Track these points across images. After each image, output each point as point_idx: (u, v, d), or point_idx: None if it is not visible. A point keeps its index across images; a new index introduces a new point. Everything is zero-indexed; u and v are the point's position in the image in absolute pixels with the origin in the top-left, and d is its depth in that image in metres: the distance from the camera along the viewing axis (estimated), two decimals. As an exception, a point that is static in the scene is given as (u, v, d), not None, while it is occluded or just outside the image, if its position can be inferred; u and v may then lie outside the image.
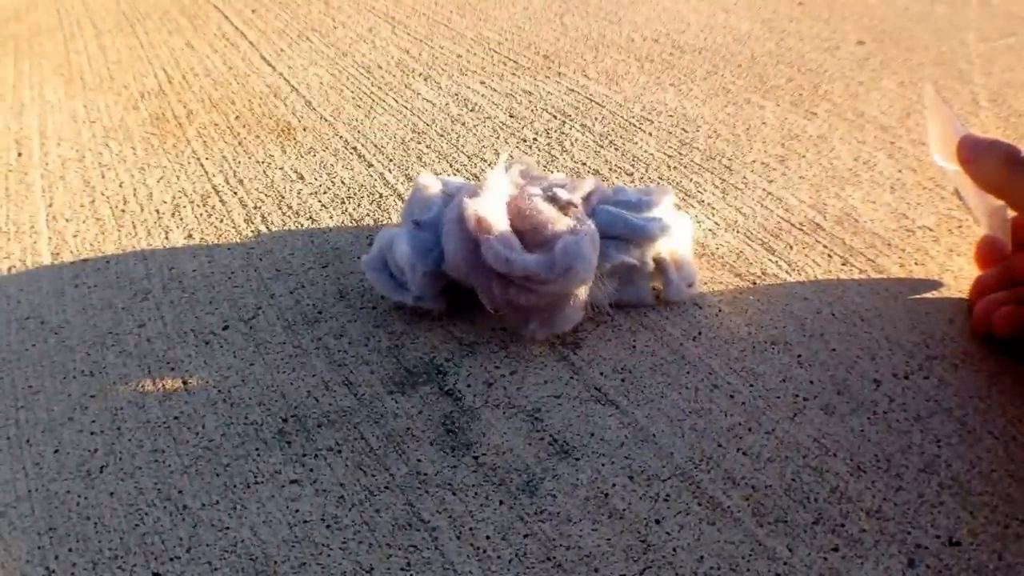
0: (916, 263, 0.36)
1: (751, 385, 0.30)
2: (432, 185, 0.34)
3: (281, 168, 0.46)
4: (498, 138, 0.48)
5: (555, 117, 0.50)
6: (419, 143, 0.48)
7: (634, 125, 0.49)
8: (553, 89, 0.54)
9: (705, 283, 0.35)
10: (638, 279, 0.33)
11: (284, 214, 0.42)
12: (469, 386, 0.31)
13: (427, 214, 0.33)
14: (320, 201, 0.43)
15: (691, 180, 0.43)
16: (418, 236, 0.33)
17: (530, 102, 0.52)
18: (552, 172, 0.44)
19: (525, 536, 0.25)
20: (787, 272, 0.36)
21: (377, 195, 0.43)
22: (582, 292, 0.31)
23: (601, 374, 0.31)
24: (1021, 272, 0.31)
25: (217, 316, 0.35)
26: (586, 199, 0.34)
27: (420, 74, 0.57)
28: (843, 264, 0.36)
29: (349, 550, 0.25)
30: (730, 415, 0.29)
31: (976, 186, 0.30)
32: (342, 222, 0.41)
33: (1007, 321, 0.30)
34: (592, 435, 0.28)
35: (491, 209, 0.31)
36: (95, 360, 0.33)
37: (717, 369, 0.31)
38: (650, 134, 0.48)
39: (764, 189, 0.42)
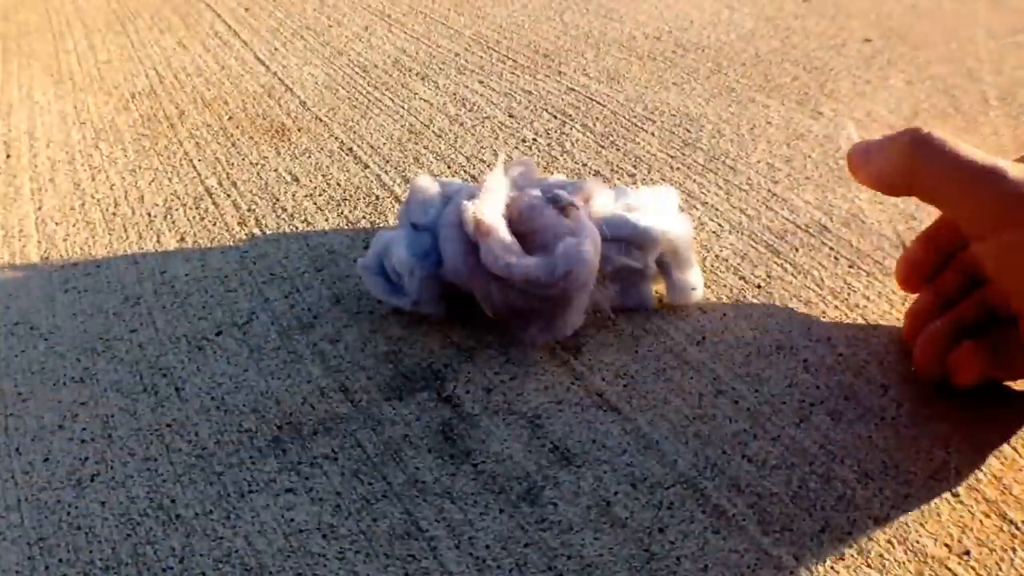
0: (923, 265, 0.35)
1: (756, 391, 0.30)
2: (430, 187, 0.34)
3: (275, 170, 0.45)
4: (497, 139, 0.47)
5: (555, 117, 0.49)
6: (416, 144, 0.47)
7: (636, 125, 0.48)
8: (553, 88, 0.53)
9: (709, 286, 0.35)
10: (640, 282, 0.33)
11: (278, 217, 0.41)
12: (468, 392, 0.30)
13: (425, 216, 0.33)
14: (315, 203, 0.42)
15: (694, 181, 0.42)
16: (416, 239, 0.32)
17: (530, 102, 0.51)
18: (552, 173, 0.43)
19: (526, 545, 0.25)
20: (793, 275, 0.35)
21: (373, 197, 0.42)
22: (583, 296, 0.30)
23: (603, 379, 0.30)
24: (952, 288, 0.28)
25: (210, 321, 0.34)
26: (587, 201, 0.33)
27: (417, 73, 0.56)
28: (850, 267, 0.36)
29: (346, 560, 0.24)
30: (735, 421, 0.28)
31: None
32: (338, 225, 0.40)
33: (969, 365, 0.25)
34: (594, 442, 0.28)
35: (490, 211, 0.31)
36: (86, 366, 0.32)
37: (721, 374, 0.30)
38: (652, 134, 0.47)
39: (769, 190, 0.41)
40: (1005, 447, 0.27)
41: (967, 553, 0.24)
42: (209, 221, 0.41)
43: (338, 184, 0.44)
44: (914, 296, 0.31)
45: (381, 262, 0.33)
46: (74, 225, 0.41)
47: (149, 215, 0.42)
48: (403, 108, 0.51)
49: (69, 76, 0.59)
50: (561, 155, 0.45)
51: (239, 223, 0.41)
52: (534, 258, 0.30)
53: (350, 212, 0.41)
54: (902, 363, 0.30)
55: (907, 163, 0.25)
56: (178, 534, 0.25)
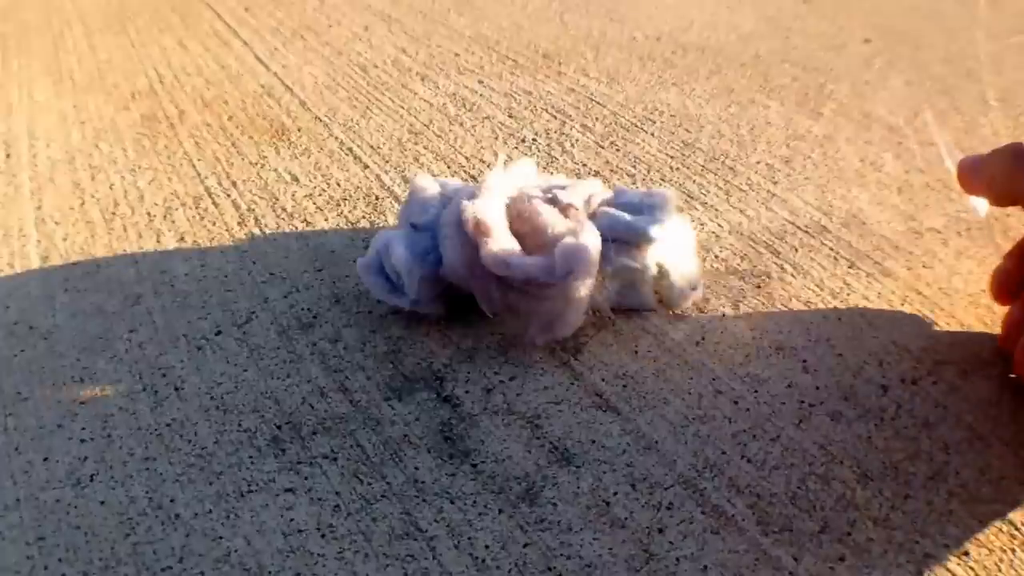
0: (924, 266, 0.36)
1: (755, 391, 0.30)
2: (429, 187, 0.34)
3: (275, 170, 0.45)
4: (497, 139, 0.47)
5: (555, 117, 0.49)
6: (416, 144, 0.47)
7: (636, 125, 0.48)
8: (553, 88, 0.53)
9: (708, 287, 0.35)
10: (640, 283, 0.33)
11: (278, 216, 0.41)
12: (468, 392, 0.30)
13: (424, 216, 0.33)
14: (315, 203, 0.42)
15: (694, 182, 0.42)
16: (415, 239, 0.32)
17: (529, 102, 0.51)
18: (552, 173, 0.43)
19: (525, 546, 0.25)
20: (792, 275, 0.35)
21: (373, 197, 0.42)
22: (583, 296, 0.30)
23: (602, 380, 0.30)
24: None
25: (210, 321, 0.34)
26: (587, 201, 0.33)
27: (417, 73, 0.56)
28: (849, 267, 0.36)
29: (345, 560, 0.24)
30: (734, 422, 0.28)
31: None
32: (337, 225, 0.40)
33: None
34: (593, 442, 0.28)
35: (490, 211, 0.31)
36: (85, 366, 0.32)
37: (721, 375, 0.30)
38: (652, 135, 0.47)
39: (768, 191, 0.41)
40: (1004, 448, 0.27)
41: (967, 553, 0.24)
42: (209, 221, 0.41)
43: (338, 184, 0.44)
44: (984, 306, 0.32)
45: (381, 262, 0.33)
46: (74, 225, 0.41)
47: (149, 215, 0.42)
48: (403, 108, 0.51)
49: (69, 76, 0.59)
50: (561, 155, 0.45)
51: (239, 223, 0.41)
52: (534, 258, 0.30)
53: (350, 212, 0.41)
54: (902, 363, 0.30)
55: (1010, 174, 0.27)
56: (177, 534, 0.25)
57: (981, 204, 0.29)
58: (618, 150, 0.46)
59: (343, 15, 0.68)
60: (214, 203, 0.43)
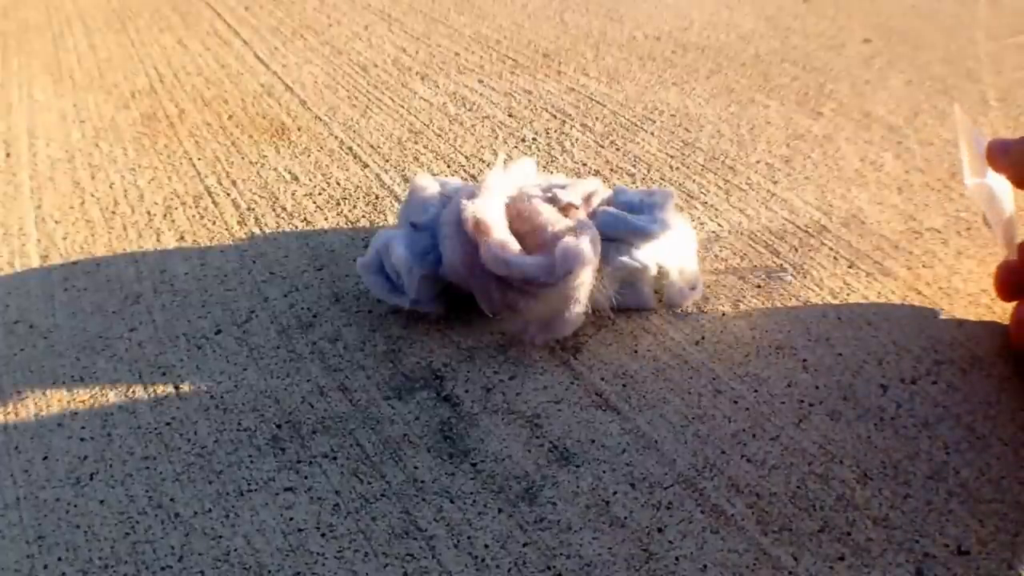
0: (924, 266, 0.36)
1: (755, 391, 0.30)
2: (429, 186, 0.34)
3: (275, 169, 0.45)
4: (497, 138, 0.47)
5: (555, 117, 0.49)
6: (416, 143, 0.47)
7: (636, 125, 0.48)
8: (553, 88, 0.53)
9: (708, 286, 0.35)
10: (640, 282, 0.33)
11: (278, 216, 0.41)
12: (467, 392, 0.30)
13: (424, 216, 0.33)
14: (315, 202, 0.42)
15: (694, 181, 0.42)
16: (415, 238, 0.32)
17: (529, 101, 0.51)
18: (552, 173, 0.43)
19: (524, 545, 0.25)
20: (792, 275, 0.35)
21: (373, 196, 0.42)
22: (583, 295, 0.30)
23: (602, 379, 0.30)
24: None
25: (209, 320, 0.34)
26: (586, 200, 0.33)
27: (417, 73, 0.56)
28: (849, 267, 0.36)
29: (344, 559, 0.24)
30: (734, 421, 0.28)
31: (1000, 197, 0.29)
32: (337, 224, 0.40)
33: None
34: (593, 441, 0.28)
35: (490, 211, 0.31)
36: (85, 365, 0.32)
37: (721, 374, 0.30)
38: (652, 134, 0.47)
39: (768, 190, 0.41)
40: (1004, 448, 0.27)
41: (967, 553, 0.24)
42: (208, 220, 0.41)
43: (338, 183, 0.44)
44: (1008, 305, 0.32)
45: (380, 261, 0.33)
46: (73, 224, 0.41)
47: (149, 214, 0.42)
48: (403, 108, 0.51)
49: (69, 74, 0.59)
50: (561, 155, 0.45)
51: (239, 222, 0.41)
52: (533, 258, 0.30)
53: (349, 211, 0.41)
54: (901, 363, 0.30)
55: None
56: (177, 533, 0.25)
57: (1003, 186, 0.30)
58: (618, 149, 0.46)
59: (343, 14, 0.68)
60: (214, 202, 0.43)
